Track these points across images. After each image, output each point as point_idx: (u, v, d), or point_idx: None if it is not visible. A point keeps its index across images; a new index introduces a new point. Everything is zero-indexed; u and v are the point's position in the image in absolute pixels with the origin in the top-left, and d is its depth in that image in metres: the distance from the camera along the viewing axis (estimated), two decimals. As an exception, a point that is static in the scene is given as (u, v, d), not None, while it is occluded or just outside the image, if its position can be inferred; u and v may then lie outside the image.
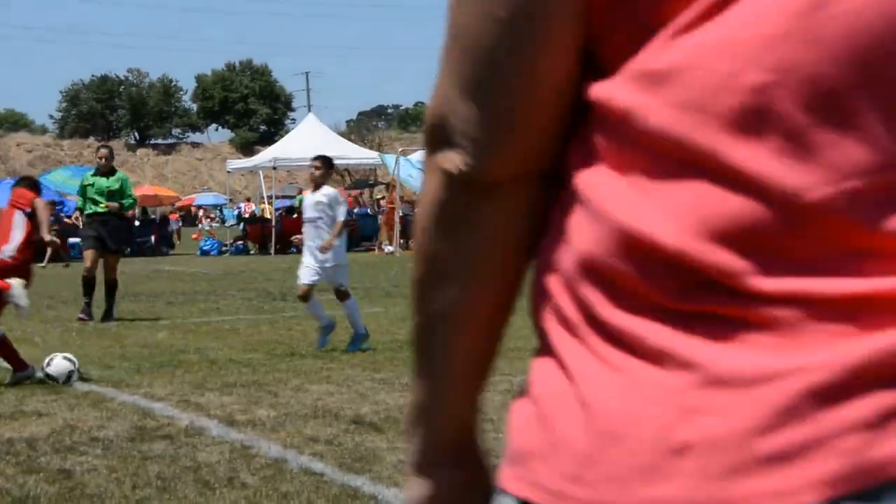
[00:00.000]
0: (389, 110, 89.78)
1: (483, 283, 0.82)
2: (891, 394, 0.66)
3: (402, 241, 26.69)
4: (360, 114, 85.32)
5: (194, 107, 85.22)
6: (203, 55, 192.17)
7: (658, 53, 0.71)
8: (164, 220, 34.13)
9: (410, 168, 27.23)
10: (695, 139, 0.69)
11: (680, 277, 0.70)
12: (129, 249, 27.61)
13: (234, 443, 5.37)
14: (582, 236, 0.74)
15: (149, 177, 67.68)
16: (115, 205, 11.23)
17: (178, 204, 46.26)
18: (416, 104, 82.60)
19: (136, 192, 14.94)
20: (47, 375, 7.22)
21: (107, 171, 11.39)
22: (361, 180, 35.61)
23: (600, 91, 0.74)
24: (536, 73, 0.75)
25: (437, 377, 0.87)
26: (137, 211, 35.58)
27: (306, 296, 8.70)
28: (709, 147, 0.69)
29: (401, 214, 27.07)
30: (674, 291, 0.70)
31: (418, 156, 29.49)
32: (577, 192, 0.75)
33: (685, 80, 0.70)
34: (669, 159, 0.71)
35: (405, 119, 75.80)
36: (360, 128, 70.43)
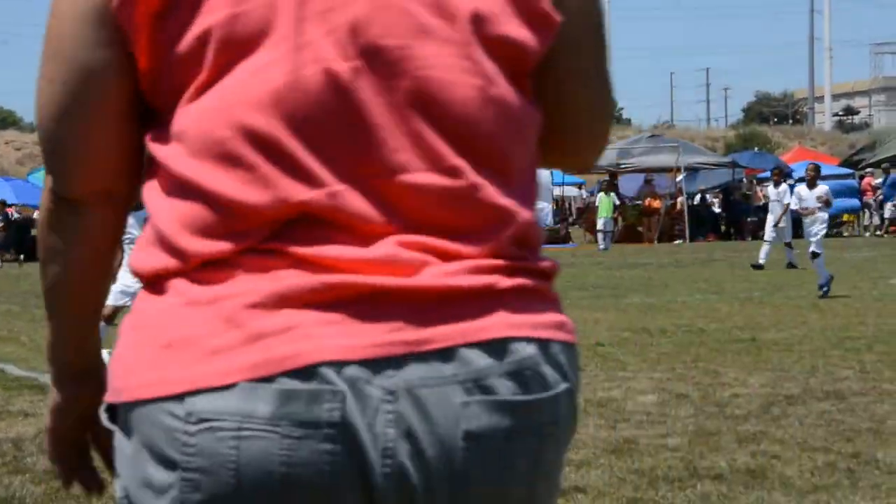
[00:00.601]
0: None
1: (78, 268, 1.17)
2: (299, 313, 1.02)
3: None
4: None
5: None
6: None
7: (175, 117, 1.09)
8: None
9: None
10: (192, 175, 1.07)
11: (190, 261, 1.06)
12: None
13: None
14: (149, 236, 1.11)
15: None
16: None
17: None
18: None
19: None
20: None
21: None
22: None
23: (150, 145, 1.12)
24: (98, 125, 1.11)
25: (59, 322, 1.22)
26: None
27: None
28: (200, 180, 1.06)
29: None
30: (184, 269, 1.07)
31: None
32: (150, 206, 1.12)
33: (187, 135, 1.07)
34: (183, 186, 1.07)
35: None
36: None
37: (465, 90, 1.08)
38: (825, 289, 12.45)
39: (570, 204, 38.46)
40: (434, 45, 1.07)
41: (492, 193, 1.09)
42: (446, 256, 1.06)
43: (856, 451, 5.02)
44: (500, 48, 1.10)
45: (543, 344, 1.08)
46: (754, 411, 5.97)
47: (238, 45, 1.06)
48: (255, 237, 1.05)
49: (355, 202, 1.05)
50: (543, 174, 28.99)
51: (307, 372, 1.00)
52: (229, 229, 1.05)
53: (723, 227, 30.21)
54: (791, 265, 16.99)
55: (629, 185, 31.51)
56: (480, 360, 1.04)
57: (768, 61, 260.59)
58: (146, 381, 1.03)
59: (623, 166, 31.30)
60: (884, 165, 32.14)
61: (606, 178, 30.32)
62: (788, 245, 16.73)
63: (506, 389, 1.04)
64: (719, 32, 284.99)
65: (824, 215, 13.69)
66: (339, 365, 1.01)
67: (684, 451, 5.08)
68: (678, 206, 29.13)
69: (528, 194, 1.13)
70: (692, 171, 31.17)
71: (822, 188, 13.85)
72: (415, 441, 1.02)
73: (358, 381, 1.01)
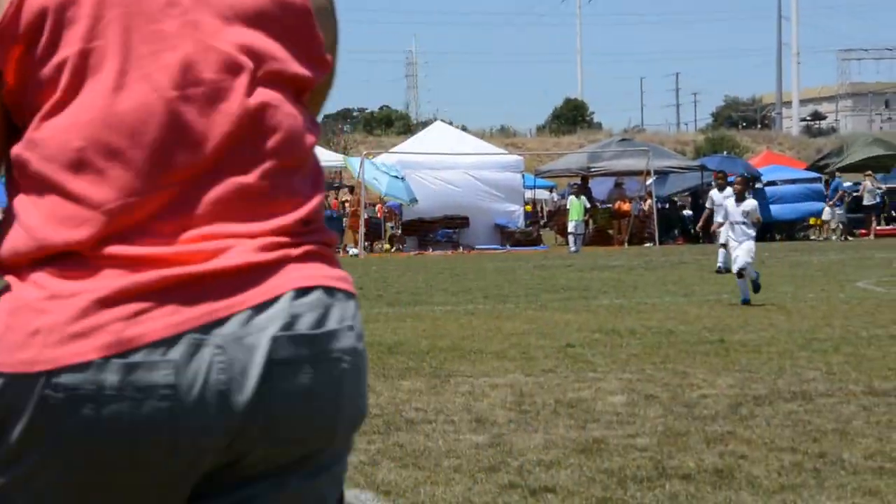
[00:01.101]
0: (355, 113, 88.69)
1: None
2: (139, 303, 1.31)
3: (366, 243, 26.62)
4: (326, 116, 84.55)
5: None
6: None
7: (35, 128, 1.40)
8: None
9: (375, 171, 27.18)
10: (51, 176, 1.37)
11: (48, 249, 1.35)
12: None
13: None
14: (11, 227, 1.39)
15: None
16: None
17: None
18: (381, 108, 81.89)
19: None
20: None
21: None
22: (327, 182, 35.52)
23: (13, 148, 1.41)
24: None
25: None
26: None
27: None
28: (57, 180, 1.36)
29: (365, 217, 27.02)
30: (43, 256, 1.35)
31: (383, 158, 29.46)
32: (11, 203, 1.41)
33: (46, 144, 1.38)
34: (42, 185, 1.38)
35: (370, 122, 74.82)
36: (326, 130, 70.00)
37: (268, 111, 1.44)
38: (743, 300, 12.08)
39: (541, 207, 38.57)
40: (244, 77, 1.43)
41: (290, 188, 1.44)
42: (250, 239, 1.38)
43: (822, 452, 5.07)
44: (289, 81, 1.48)
45: (330, 290, 1.40)
46: (722, 412, 6.02)
47: (88, 73, 1.39)
48: (101, 232, 1.34)
49: (183, 201, 1.37)
50: (515, 178, 29.06)
51: (148, 347, 1.30)
52: (81, 223, 1.34)
53: (692, 231, 30.39)
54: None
55: (600, 188, 31.65)
56: (284, 307, 1.35)
57: (737, 66, 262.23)
58: (19, 360, 1.31)
59: (594, 170, 31.43)
60: (829, 170, 32.38)
61: (577, 181, 30.42)
62: (724, 246, 16.18)
63: (304, 325, 1.36)
64: (689, 38, 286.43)
65: (751, 232, 12.27)
66: (175, 337, 1.31)
67: (653, 451, 5.12)
68: (648, 209, 29.26)
69: (314, 183, 1.48)
70: (662, 174, 31.34)
71: (751, 203, 12.54)
72: (242, 379, 1.32)
73: (192, 344, 1.31)
